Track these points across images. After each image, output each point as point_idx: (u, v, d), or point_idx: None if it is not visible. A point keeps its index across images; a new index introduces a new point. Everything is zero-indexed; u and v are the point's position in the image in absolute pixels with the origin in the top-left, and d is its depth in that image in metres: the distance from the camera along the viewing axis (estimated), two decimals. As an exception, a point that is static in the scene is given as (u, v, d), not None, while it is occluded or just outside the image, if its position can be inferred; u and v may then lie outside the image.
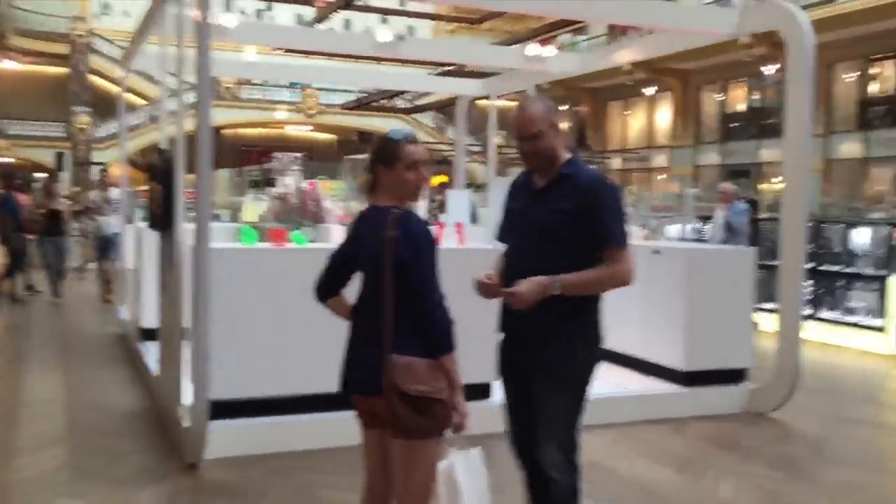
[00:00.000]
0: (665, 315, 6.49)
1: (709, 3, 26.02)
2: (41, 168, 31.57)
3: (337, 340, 5.09)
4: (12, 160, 32.77)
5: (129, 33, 30.89)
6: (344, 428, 5.09)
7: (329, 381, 5.07)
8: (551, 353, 2.96)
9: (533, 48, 8.05)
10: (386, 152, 2.73)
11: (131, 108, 31.81)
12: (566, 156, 3.02)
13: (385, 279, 2.63)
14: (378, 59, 19.18)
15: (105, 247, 11.79)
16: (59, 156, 29.25)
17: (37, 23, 32.88)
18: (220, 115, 30.43)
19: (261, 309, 5.08)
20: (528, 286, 2.85)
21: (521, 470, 3.22)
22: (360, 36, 8.54)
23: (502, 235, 3.17)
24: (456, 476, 2.67)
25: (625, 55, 8.22)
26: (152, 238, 6.95)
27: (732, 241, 9.63)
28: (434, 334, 2.64)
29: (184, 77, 6.35)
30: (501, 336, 3.16)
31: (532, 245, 3.00)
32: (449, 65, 16.36)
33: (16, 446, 5.15)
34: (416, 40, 12.34)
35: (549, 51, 8.27)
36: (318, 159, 27.95)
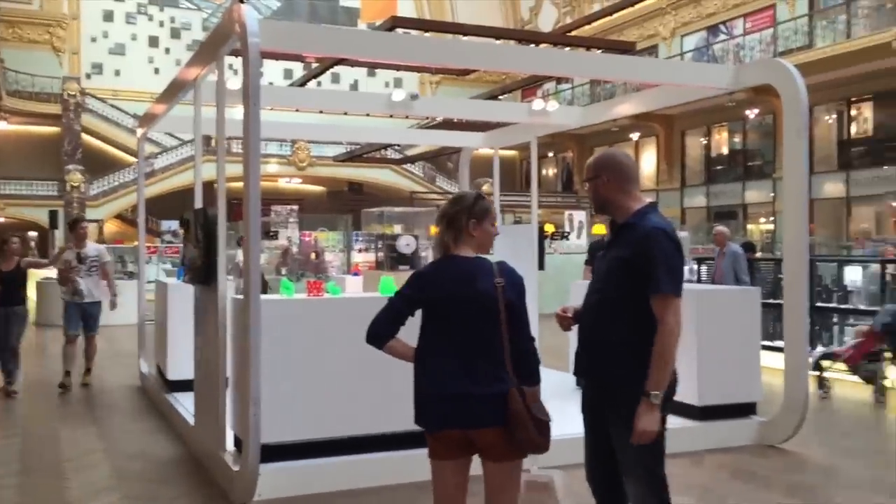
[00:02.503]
0: (678, 353, 6.80)
1: (687, 54, 26.84)
2: (35, 227, 31.78)
3: (377, 383, 5.42)
4: (1, 219, 32.96)
5: (120, 91, 30.98)
6: (386, 467, 5.42)
7: (371, 422, 5.42)
8: (623, 401, 3.10)
9: (539, 103, 8.50)
10: (478, 208, 3.13)
11: (125, 165, 32.21)
12: (636, 207, 3.26)
13: (501, 320, 3.01)
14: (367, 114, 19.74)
15: (79, 317, 9.20)
16: (53, 214, 29.44)
17: (29, 84, 33.37)
18: (213, 170, 30.74)
19: (304, 356, 5.37)
20: (641, 422, 3.01)
21: None
22: (376, 96, 8.98)
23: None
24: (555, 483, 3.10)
25: (626, 109, 8.69)
26: (183, 292, 7.25)
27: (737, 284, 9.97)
28: (534, 366, 3.09)
29: (194, 135, 6.72)
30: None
31: (597, 288, 3.29)
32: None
33: (70, 496, 5.38)
34: (426, 99, 12.81)
35: (553, 105, 8.72)
36: (308, 211, 28.33)
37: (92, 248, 9.48)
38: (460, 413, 3.01)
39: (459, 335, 3.06)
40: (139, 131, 9.73)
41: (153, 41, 37.98)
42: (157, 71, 36.11)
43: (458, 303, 3.06)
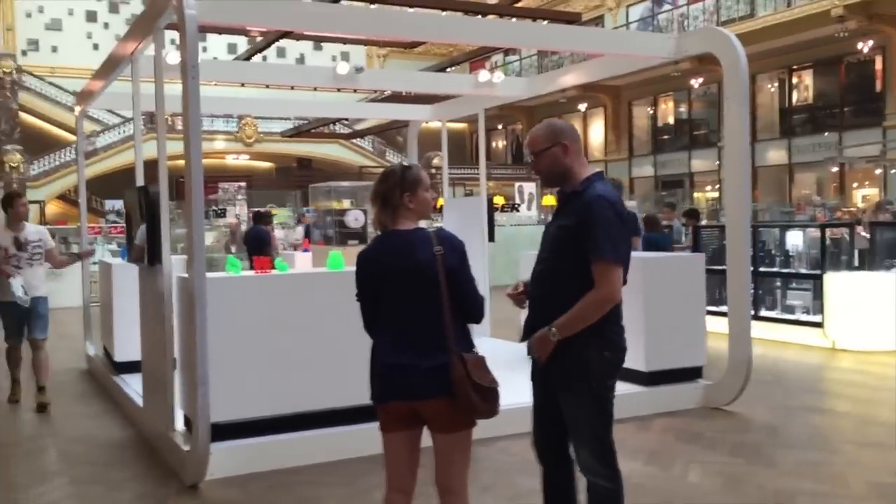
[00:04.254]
0: (626, 320, 6.91)
1: (633, 24, 27.01)
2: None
3: (326, 359, 5.42)
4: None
5: (58, 68, 29.97)
6: (337, 442, 5.44)
7: (320, 398, 5.42)
8: (567, 366, 3.15)
9: (484, 74, 8.48)
10: (409, 179, 3.10)
11: (66, 144, 31.39)
12: (585, 174, 3.24)
13: (442, 290, 2.99)
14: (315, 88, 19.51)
15: (20, 320, 7.31)
16: (-8, 195, 28.62)
17: (-39, 61, 32.17)
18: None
19: (252, 333, 5.33)
20: (534, 344, 3.17)
21: (542, 473, 3.44)
22: (321, 70, 8.87)
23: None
24: None
25: (570, 79, 8.71)
26: (128, 272, 7.12)
27: None
28: (478, 311, 3.10)
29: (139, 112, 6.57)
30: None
31: (544, 257, 3.28)
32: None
33: (17, 482, 5.28)
34: (372, 72, 12.70)
35: (498, 76, 8.71)
36: (257, 188, 27.96)
37: (33, 230, 7.54)
38: (404, 385, 3.01)
39: (401, 307, 3.06)
40: (77, 109, 9.48)
41: (91, 16, 36.89)
42: (96, 47, 35.10)
43: (399, 275, 3.05)
